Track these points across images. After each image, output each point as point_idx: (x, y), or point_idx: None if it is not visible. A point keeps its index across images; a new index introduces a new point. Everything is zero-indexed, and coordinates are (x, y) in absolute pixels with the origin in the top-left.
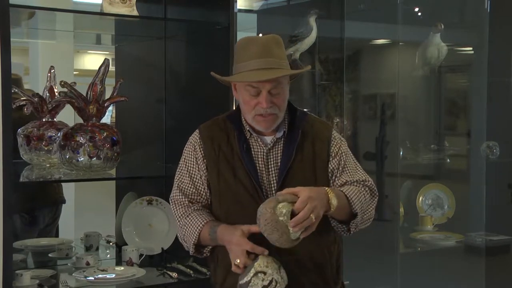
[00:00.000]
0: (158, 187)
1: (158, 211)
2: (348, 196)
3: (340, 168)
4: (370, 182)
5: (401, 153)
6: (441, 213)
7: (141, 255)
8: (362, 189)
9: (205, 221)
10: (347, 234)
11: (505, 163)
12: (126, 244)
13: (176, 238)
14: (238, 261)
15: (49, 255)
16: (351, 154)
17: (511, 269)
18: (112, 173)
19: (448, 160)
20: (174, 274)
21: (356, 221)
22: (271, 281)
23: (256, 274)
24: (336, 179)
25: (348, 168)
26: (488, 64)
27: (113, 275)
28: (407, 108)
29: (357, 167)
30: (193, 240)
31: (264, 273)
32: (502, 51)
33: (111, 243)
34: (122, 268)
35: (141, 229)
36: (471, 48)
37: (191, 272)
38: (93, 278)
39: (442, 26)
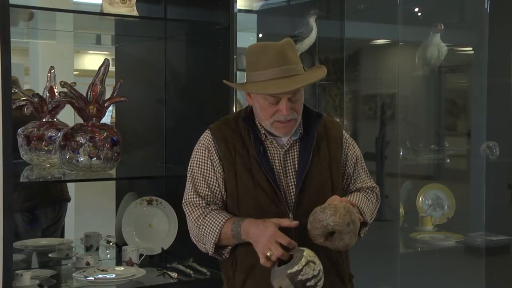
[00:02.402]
0: (158, 187)
1: (158, 211)
2: (361, 209)
3: (355, 175)
4: (377, 189)
5: (401, 153)
6: (441, 213)
7: (141, 255)
8: (371, 196)
9: (226, 218)
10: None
11: (505, 163)
12: (126, 244)
13: (176, 238)
14: (269, 253)
15: (49, 255)
16: (363, 159)
17: (511, 269)
18: (112, 173)
19: (448, 160)
20: (174, 274)
21: (365, 229)
22: (319, 272)
23: (307, 263)
24: (351, 185)
25: (362, 175)
26: (488, 64)
27: (113, 275)
28: (407, 108)
29: (368, 173)
30: (214, 238)
31: (314, 263)
32: (502, 51)
33: (111, 243)
34: (122, 268)
35: (141, 229)
36: (471, 48)
37: (191, 272)
38: (93, 278)
39: (442, 26)
